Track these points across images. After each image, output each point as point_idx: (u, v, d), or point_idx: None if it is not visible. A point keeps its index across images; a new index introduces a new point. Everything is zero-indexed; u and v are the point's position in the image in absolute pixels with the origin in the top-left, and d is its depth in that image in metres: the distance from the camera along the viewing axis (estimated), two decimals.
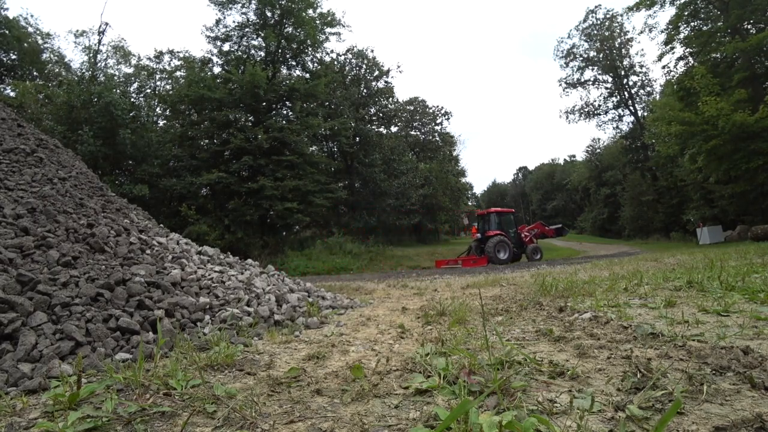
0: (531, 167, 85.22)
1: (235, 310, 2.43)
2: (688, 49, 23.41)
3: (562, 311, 2.35)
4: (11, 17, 22.73)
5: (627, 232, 36.49)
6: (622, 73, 37.38)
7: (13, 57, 23.45)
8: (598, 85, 39.11)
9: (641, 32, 38.34)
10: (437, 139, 39.61)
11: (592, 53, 38.50)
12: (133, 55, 26.68)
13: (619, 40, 37.06)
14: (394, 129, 34.12)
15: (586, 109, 39.91)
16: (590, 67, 38.88)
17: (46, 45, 25.69)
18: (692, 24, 22.69)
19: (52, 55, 26.13)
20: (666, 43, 23.94)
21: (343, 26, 24.65)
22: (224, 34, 22.95)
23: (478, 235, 15.51)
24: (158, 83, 25.66)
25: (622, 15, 33.57)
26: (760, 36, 17.76)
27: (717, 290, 2.63)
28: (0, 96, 18.98)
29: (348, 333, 2.22)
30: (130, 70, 25.54)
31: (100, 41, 24.69)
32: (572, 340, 1.67)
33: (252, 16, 22.83)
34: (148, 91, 24.75)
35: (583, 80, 39.40)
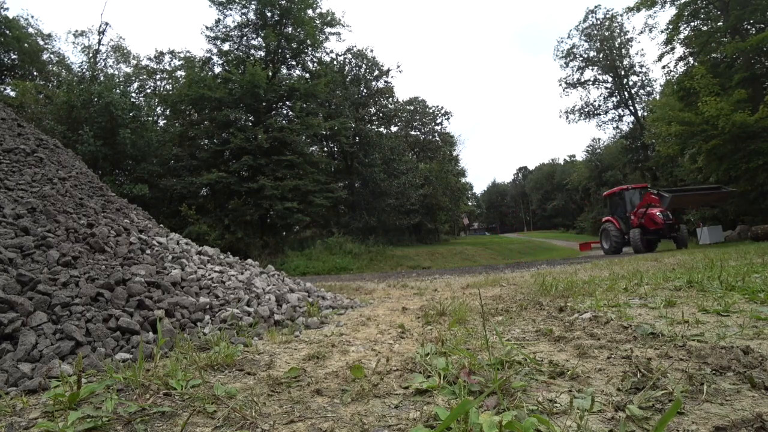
0: (531, 167, 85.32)
1: (235, 310, 2.43)
2: (688, 49, 23.42)
3: (562, 311, 2.35)
4: (11, 17, 22.73)
5: None
6: (622, 73, 37.42)
7: (14, 57, 23.46)
8: (598, 85, 39.16)
9: (641, 32, 38.43)
10: (437, 139, 39.63)
11: (592, 53, 38.54)
12: (134, 56, 26.73)
13: (619, 40, 37.10)
14: (394, 129, 34.15)
15: (586, 109, 39.96)
16: (590, 67, 38.92)
17: (46, 45, 25.71)
18: (692, 24, 22.70)
19: (52, 56, 26.15)
20: (666, 43, 23.96)
21: (343, 26, 24.71)
22: (224, 34, 22.97)
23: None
24: (158, 83, 25.69)
25: (622, 15, 33.65)
26: (760, 36, 17.76)
27: (717, 290, 2.63)
28: (0, 96, 18.97)
29: (348, 333, 2.22)
30: (130, 70, 25.58)
31: (100, 41, 24.74)
32: (572, 340, 1.67)
33: (252, 16, 22.85)
34: (148, 90, 24.77)
35: (583, 80, 39.45)
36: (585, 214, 50.26)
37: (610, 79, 38.32)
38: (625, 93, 37.90)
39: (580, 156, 58.57)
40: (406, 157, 30.21)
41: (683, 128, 18.61)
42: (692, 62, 22.90)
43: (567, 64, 39.78)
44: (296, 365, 1.52)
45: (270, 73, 21.92)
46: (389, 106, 32.51)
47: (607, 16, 37.19)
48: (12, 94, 19.52)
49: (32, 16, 32.85)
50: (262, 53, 23.48)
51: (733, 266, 4.10)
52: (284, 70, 24.27)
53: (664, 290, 2.88)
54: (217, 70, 22.60)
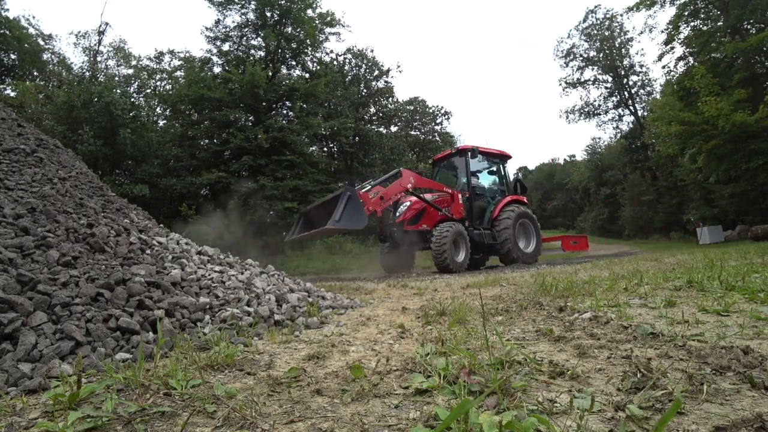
0: (531, 167, 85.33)
1: (235, 310, 2.43)
2: (688, 49, 23.43)
3: (562, 311, 2.34)
4: (12, 18, 22.71)
5: (627, 232, 36.51)
6: (622, 73, 37.43)
7: (14, 57, 23.43)
8: (598, 85, 39.18)
9: (641, 32, 38.56)
10: (437, 139, 39.58)
11: (592, 53, 38.55)
12: (134, 56, 26.72)
13: (619, 40, 37.12)
14: (394, 129, 34.09)
15: (586, 109, 40.00)
16: (590, 67, 38.94)
17: (46, 46, 25.70)
18: (692, 24, 22.73)
19: (52, 56, 26.13)
20: (666, 43, 24.00)
21: (343, 26, 24.69)
22: (224, 34, 22.97)
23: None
24: (158, 83, 25.67)
25: (622, 15, 33.70)
26: (760, 36, 17.78)
27: (717, 290, 2.63)
28: (0, 96, 18.97)
29: (348, 333, 2.22)
30: (130, 71, 25.55)
31: (100, 41, 24.72)
32: (572, 340, 1.67)
33: (251, 16, 22.86)
34: (148, 91, 24.75)
35: (583, 80, 39.46)
36: (585, 214, 50.25)
37: (610, 79, 38.34)
38: (625, 93, 37.93)
39: (580, 156, 58.55)
40: (406, 157, 30.16)
41: (683, 128, 18.62)
42: (692, 62, 22.91)
43: (567, 64, 39.82)
44: (296, 365, 1.52)
45: (270, 73, 21.92)
46: (389, 106, 32.49)
47: (607, 15, 37.23)
48: (12, 94, 19.51)
49: (33, 17, 32.85)
50: (261, 53, 23.48)
51: (733, 266, 4.10)
52: (284, 70, 24.27)
53: (664, 290, 2.88)
54: (217, 70, 22.60)
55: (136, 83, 24.43)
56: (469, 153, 9.78)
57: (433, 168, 11.33)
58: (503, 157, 10.83)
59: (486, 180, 10.74)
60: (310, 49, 24.06)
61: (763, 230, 15.61)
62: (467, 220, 9.36)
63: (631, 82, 37.62)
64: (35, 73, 24.65)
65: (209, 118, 20.56)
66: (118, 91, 18.65)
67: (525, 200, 10.50)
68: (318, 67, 24.48)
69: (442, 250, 7.96)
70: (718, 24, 21.19)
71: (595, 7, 42.39)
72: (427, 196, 9.03)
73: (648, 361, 1.27)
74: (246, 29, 23.03)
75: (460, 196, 9.45)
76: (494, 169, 10.79)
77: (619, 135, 40.33)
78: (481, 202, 10.02)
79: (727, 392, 1.03)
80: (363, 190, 7.82)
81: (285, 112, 23.28)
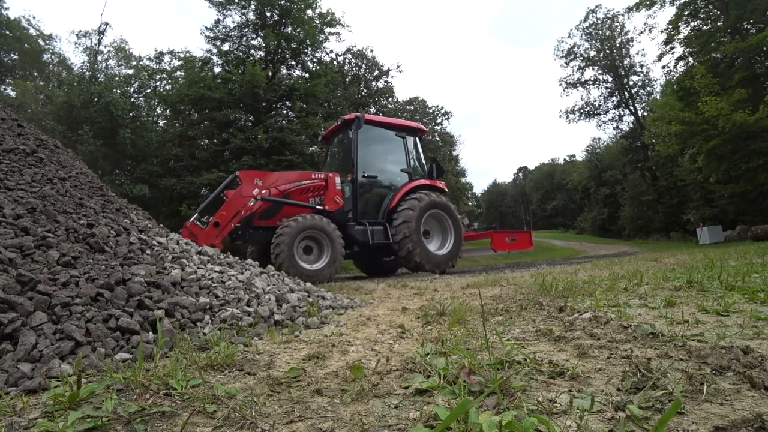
0: (531, 167, 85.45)
1: (235, 310, 2.43)
2: (688, 49, 23.45)
3: (562, 311, 2.34)
4: (12, 18, 22.72)
5: (627, 232, 36.54)
6: (623, 72, 37.46)
7: (14, 57, 23.46)
8: (599, 84, 39.21)
9: (641, 32, 38.59)
10: (437, 139, 39.59)
11: (592, 53, 38.59)
12: (134, 57, 26.75)
13: (619, 40, 37.16)
14: None
15: (586, 109, 40.05)
16: (591, 67, 38.98)
17: (47, 46, 25.73)
18: (692, 24, 22.74)
19: (52, 56, 26.16)
20: (666, 43, 24.02)
21: (343, 26, 24.71)
22: (224, 34, 22.99)
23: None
24: (158, 83, 25.69)
25: (622, 15, 33.73)
26: (760, 36, 17.78)
27: (717, 290, 2.63)
28: (0, 96, 18.97)
29: (348, 333, 2.22)
30: (130, 71, 25.57)
31: (100, 41, 24.73)
32: (572, 340, 1.67)
33: (251, 17, 22.88)
34: (148, 91, 24.77)
35: (583, 80, 39.50)
36: (585, 214, 50.28)
37: (610, 79, 38.38)
38: (626, 93, 37.97)
39: (580, 156, 58.59)
40: None
41: (683, 128, 18.62)
42: (692, 62, 22.92)
43: (567, 64, 39.86)
44: (296, 365, 1.52)
45: (270, 73, 21.93)
46: (389, 106, 32.49)
47: (608, 15, 37.28)
48: (12, 94, 19.55)
49: (33, 17, 32.85)
50: (261, 53, 23.49)
51: (733, 266, 4.10)
52: (284, 70, 24.29)
53: (664, 290, 2.88)
54: (217, 70, 22.62)
55: (136, 83, 24.45)
56: (354, 123, 7.53)
57: (326, 147, 9.26)
58: (412, 131, 8.41)
59: (385, 160, 8.16)
60: (310, 49, 24.07)
61: (763, 230, 15.63)
62: (351, 211, 7.40)
63: (631, 82, 37.69)
64: (35, 74, 24.65)
65: (209, 118, 20.56)
66: (118, 91, 18.68)
67: (442, 186, 8.13)
68: (318, 67, 24.48)
69: (276, 253, 6.13)
70: (718, 24, 21.21)
71: (596, 6, 42.45)
72: (289, 188, 7.05)
73: (648, 361, 1.27)
74: (246, 29, 23.04)
75: (337, 180, 7.31)
76: (400, 146, 8.17)
77: (619, 135, 40.39)
78: (378, 189, 7.81)
79: (727, 392, 1.03)
80: (190, 221, 6.52)
81: (285, 112, 23.29)
